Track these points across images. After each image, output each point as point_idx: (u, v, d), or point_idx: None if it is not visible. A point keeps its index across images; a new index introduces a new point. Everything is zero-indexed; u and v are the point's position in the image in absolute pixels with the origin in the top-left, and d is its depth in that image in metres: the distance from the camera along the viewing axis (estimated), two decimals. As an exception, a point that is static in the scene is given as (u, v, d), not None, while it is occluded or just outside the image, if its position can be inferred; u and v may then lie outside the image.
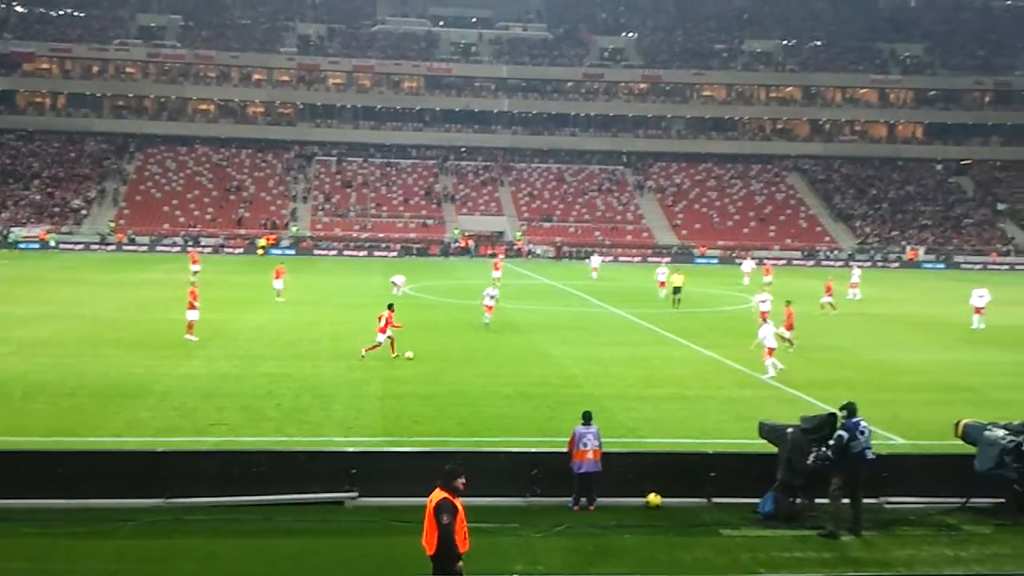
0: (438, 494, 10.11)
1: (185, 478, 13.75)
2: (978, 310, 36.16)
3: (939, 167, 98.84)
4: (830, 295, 39.99)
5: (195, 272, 47.45)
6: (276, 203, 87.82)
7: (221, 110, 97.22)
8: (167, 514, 13.22)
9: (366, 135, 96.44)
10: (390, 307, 27.39)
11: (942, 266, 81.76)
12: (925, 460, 15.74)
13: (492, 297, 33.58)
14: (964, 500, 14.50)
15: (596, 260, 61.46)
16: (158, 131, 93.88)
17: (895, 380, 25.27)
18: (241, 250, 76.87)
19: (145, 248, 76.77)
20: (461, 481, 10.13)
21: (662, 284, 45.57)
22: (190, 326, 28.74)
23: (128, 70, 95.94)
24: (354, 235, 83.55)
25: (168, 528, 12.80)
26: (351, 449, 15.35)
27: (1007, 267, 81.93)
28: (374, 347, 26.12)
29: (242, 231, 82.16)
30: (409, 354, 26.04)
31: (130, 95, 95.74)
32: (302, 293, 44.39)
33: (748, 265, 58.23)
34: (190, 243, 77.27)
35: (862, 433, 13.33)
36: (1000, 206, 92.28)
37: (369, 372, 24.14)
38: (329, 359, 26.03)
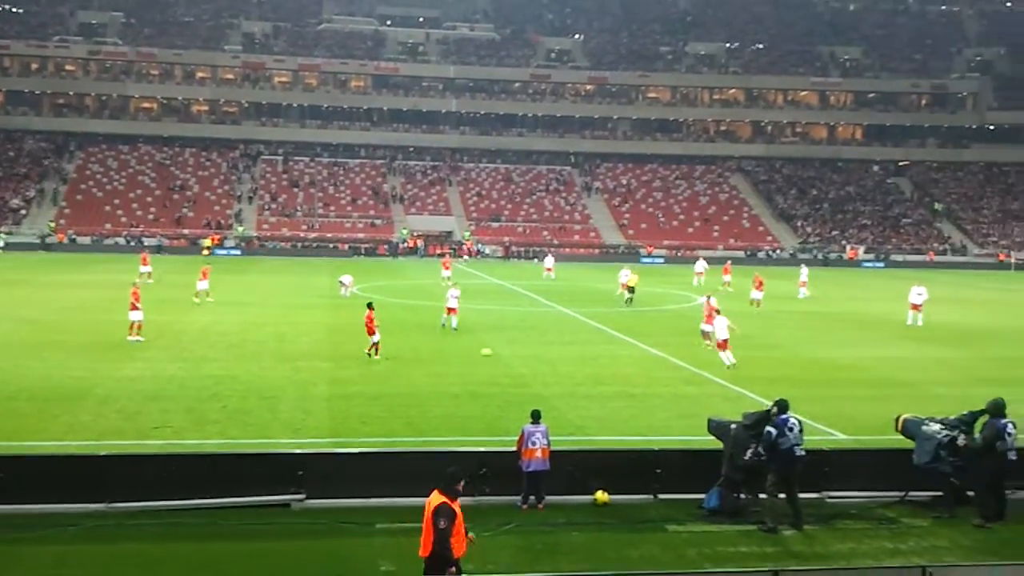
0: (436, 498, 10.06)
1: (128, 482, 13.54)
2: (915, 307, 36.99)
3: (877, 168, 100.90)
4: (760, 290, 40.55)
5: (146, 273, 46.99)
6: (221, 203, 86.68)
7: (164, 108, 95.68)
8: (109, 519, 13.01)
9: (313, 134, 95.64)
10: (369, 306, 27.24)
11: (881, 265, 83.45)
12: (865, 455, 16.10)
13: (455, 298, 32.51)
14: (903, 494, 14.84)
15: (550, 260, 60.92)
16: (99, 129, 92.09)
17: (836, 376, 25.77)
18: (184, 250, 75.70)
19: (87, 248, 75.27)
20: (461, 485, 10.17)
21: (624, 286, 43.93)
22: (132, 327, 28.30)
23: (68, 67, 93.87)
24: (301, 235, 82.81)
25: (110, 533, 12.59)
26: (297, 451, 15.23)
27: (945, 266, 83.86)
28: (375, 346, 26.29)
29: (186, 231, 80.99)
30: (486, 351, 26.41)
31: (70, 93, 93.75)
32: (247, 294, 43.96)
33: (701, 265, 57.44)
34: (132, 243, 76.02)
35: (791, 430, 13.51)
36: (937, 206, 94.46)
37: (316, 373, 23.98)
38: (275, 360, 25.79)
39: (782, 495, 13.58)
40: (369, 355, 26.21)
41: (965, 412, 14.66)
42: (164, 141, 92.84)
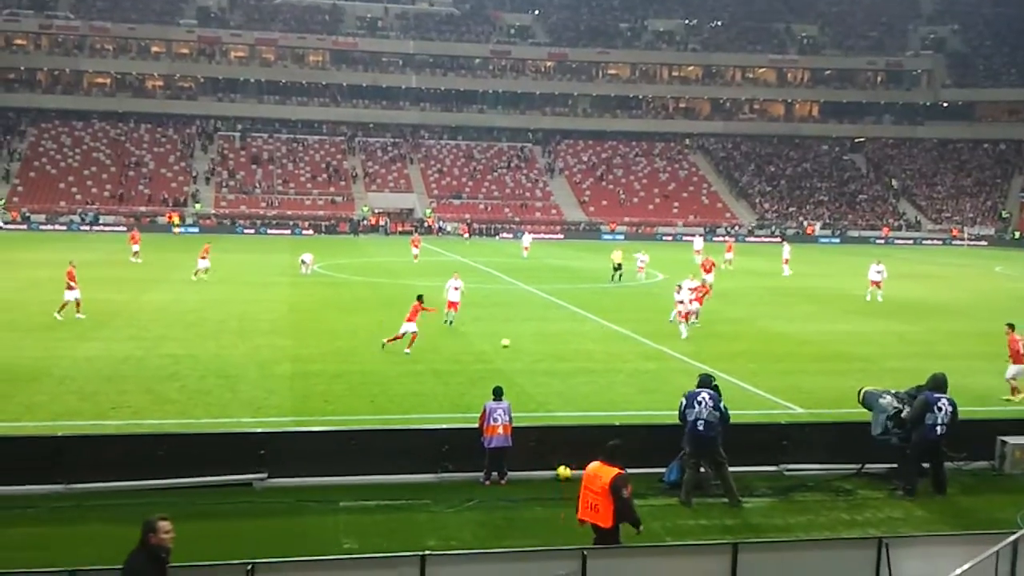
0: (606, 469, 10.16)
1: (86, 463, 13.37)
2: (875, 283, 37.52)
3: (829, 145, 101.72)
4: (709, 272, 39.82)
5: (136, 252, 46.84)
6: (178, 179, 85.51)
7: (118, 84, 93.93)
8: (68, 500, 12.86)
9: (271, 110, 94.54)
10: (419, 298, 24.92)
11: (837, 240, 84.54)
12: (822, 428, 16.33)
13: (457, 290, 28.33)
14: (859, 466, 15.12)
15: (528, 239, 60.16)
16: (52, 105, 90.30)
17: (794, 351, 26.12)
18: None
19: (40, 226, 74.00)
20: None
21: (640, 268, 44.83)
22: (65, 306, 27.91)
23: (19, 42, 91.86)
24: (260, 213, 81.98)
25: (70, 515, 12.45)
26: (259, 430, 15.15)
27: (904, 242, 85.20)
28: (405, 336, 24.24)
29: (142, 208, 79.82)
30: (505, 341, 24.76)
31: (21, 68, 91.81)
32: (205, 272, 43.46)
33: (699, 242, 56.75)
34: (88, 220, 74.92)
35: (699, 403, 13.53)
36: (894, 183, 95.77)
37: (277, 352, 23.83)
38: (235, 339, 25.58)
39: (704, 470, 13.78)
40: (383, 344, 24.45)
41: (914, 386, 14.95)
42: (119, 117, 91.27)
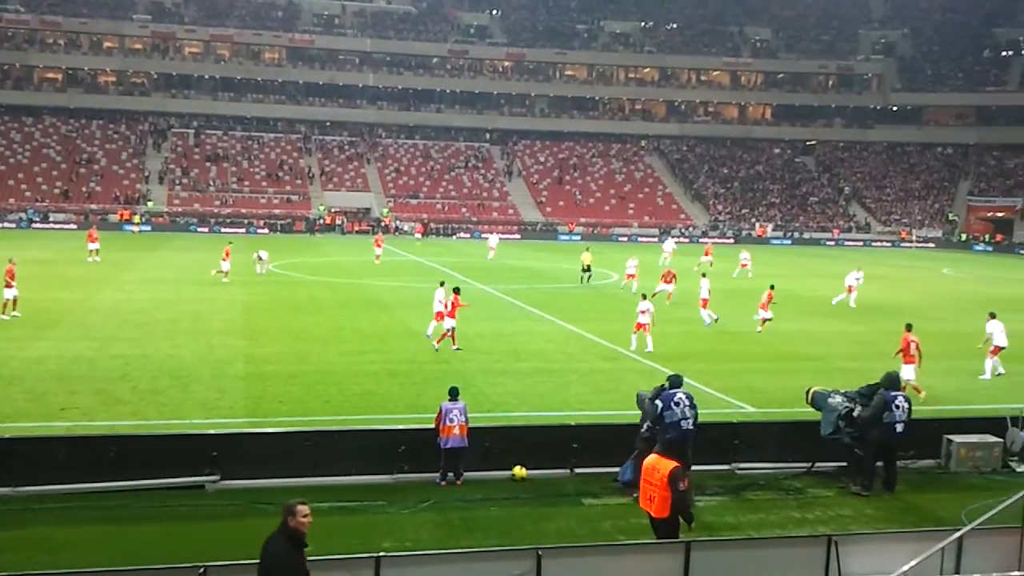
0: (664, 462, 10.61)
1: (34, 465, 13.17)
2: (850, 289, 37.69)
3: (781, 148, 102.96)
4: (668, 283, 39.44)
5: (94, 250, 45.86)
6: (130, 177, 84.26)
7: (70, 79, 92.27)
8: (15, 503, 12.65)
9: (226, 107, 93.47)
10: (456, 291, 25.06)
11: (788, 242, 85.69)
12: (773, 427, 16.57)
13: (440, 302, 25.67)
14: (809, 465, 15.36)
15: (494, 240, 59.72)
16: (1, 101, 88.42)
17: (746, 350, 26.44)
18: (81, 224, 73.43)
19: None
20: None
21: (630, 276, 40.40)
22: (6, 304, 27.44)
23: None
24: (214, 211, 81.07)
25: (17, 518, 12.24)
26: (212, 431, 15.01)
27: (853, 243, 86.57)
28: (450, 333, 24.58)
29: (93, 206, 78.54)
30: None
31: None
32: (159, 271, 42.96)
33: (669, 245, 56.11)
34: (38, 218, 73.59)
35: (677, 404, 13.63)
36: (846, 189, 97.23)
37: (231, 352, 23.61)
38: (188, 339, 25.30)
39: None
40: (435, 344, 24.66)
41: (864, 385, 15.23)
42: (70, 113, 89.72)
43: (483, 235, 77.57)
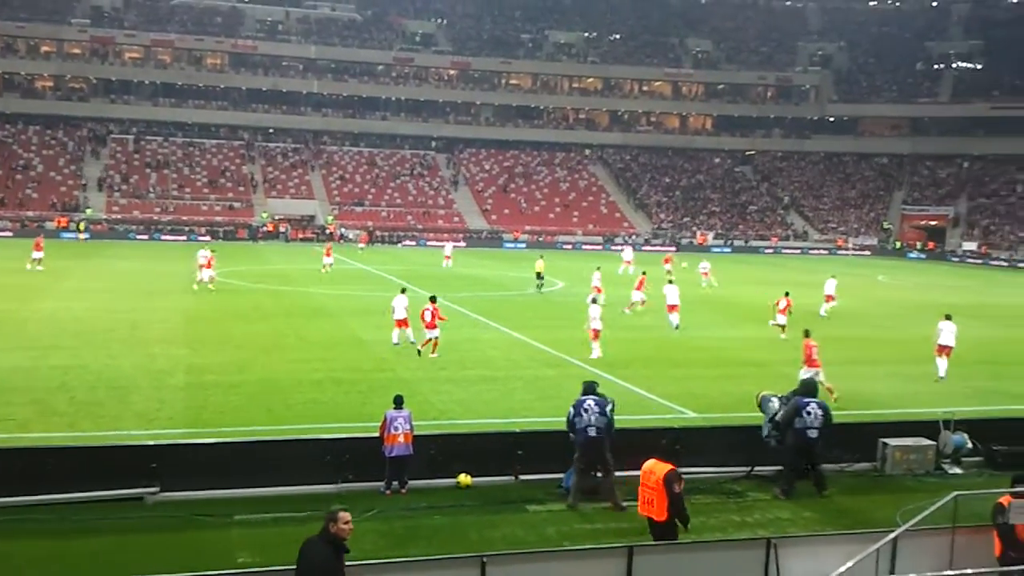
0: (660, 465, 10.97)
1: (-33, 479, 12.86)
2: (829, 298, 37.65)
3: (722, 158, 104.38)
4: (639, 289, 39.69)
5: (37, 259, 44.98)
6: (68, 183, 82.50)
7: (6, 84, 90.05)
8: (-53, 518, 12.34)
9: (166, 113, 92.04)
10: (432, 299, 25.48)
11: (728, 250, 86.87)
12: (714, 432, 16.81)
13: (404, 308, 26.32)
14: (749, 468, 15.61)
15: (449, 247, 59.17)
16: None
17: (688, 357, 26.76)
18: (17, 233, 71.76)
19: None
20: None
21: (598, 290, 37.78)
22: None
23: None
24: (154, 218, 79.71)
25: (-52, 533, 11.95)
26: (151, 442, 14.79)
27: (791, 251, 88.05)
28: (430, 342, 24.85)
29: (30, 213, 76.73)
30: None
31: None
32: (98, 280, 42.15)
33: (628, 253, 55.98)
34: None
35: (586, 410, 13.76)
36: (784, 198, 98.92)
37: (171, 361, 23.27)
38: (128, 348, 24.86)
39: (598, 473, 13.98)
40: (419, 352, 24.99)
41: (791, 390, 15.56)
42: (6, 119, 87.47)
43: (433, 243, 77.69)
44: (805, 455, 14.64)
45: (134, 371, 21.99)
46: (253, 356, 24.43)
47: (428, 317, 24.98)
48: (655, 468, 11.03)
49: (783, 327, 30.43)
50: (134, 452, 14.07)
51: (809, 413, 14.51)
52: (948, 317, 25.25)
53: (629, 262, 53.50)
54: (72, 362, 22.70)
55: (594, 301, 27.04)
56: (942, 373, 24.44)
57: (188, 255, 51.36)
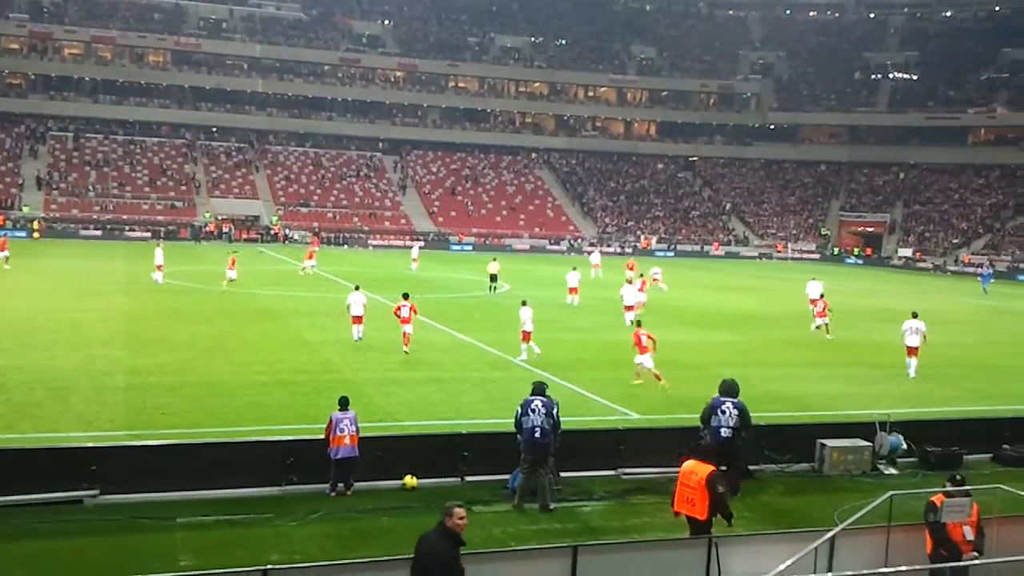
0: (702, 467, 11.17)
1: (-101, 483, 12.54)
2: (814, 302, 38.12)
3: (665, 163, 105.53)
4: (641, 291, 39.70)
5: (3, 258, 45.20)
6: (4, 181, 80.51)
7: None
8: None
9: (106, 110, 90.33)
10: (406, 296, 26.65)
11: (671, 254, 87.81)
12: (656, 433, 17.03)
13: (362, 304, 28.02)
14: (691, 468, 15.82)
15: (415, 250, 58.94)
16: None
17: (631, 359, 26.96)
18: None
19: None
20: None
21: (573, 290, 39.61)
22: None
23: None
24: (94, 217, 78.13)
25: None
26: (90, 444, 14.55)
27: (729, 256, 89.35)
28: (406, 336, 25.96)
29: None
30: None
31: None
32: (35, 279, 41.25)
33: (596, 257, 55.83)
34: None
35: (533, 411, 13.82)
36: (726, 204, 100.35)
37: (112, 363, 22.88)
38: (67, 349, 24.40)
39: (547, 474, 13.96)
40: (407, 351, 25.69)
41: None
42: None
43: (378, 243, 77.88)
44: (721, 454, 14.54)
45: (73, 372, 21.60)
46: (196, 357, 24.14)
47: (405, 313, 26.03)
48: (696, 469, 11.28)
49: (827, 327, 32.21)
50: (73, 454, 13.84)
51: (724, 412, 14.53)
52: (915, 315, 26.40)
53: (597, 265, 54.00)
54: (8, 362, 22.22)
55: (524, 303, 26.96)
56: (912, 373, 25.57)
57: (129, 255, 50.52)
